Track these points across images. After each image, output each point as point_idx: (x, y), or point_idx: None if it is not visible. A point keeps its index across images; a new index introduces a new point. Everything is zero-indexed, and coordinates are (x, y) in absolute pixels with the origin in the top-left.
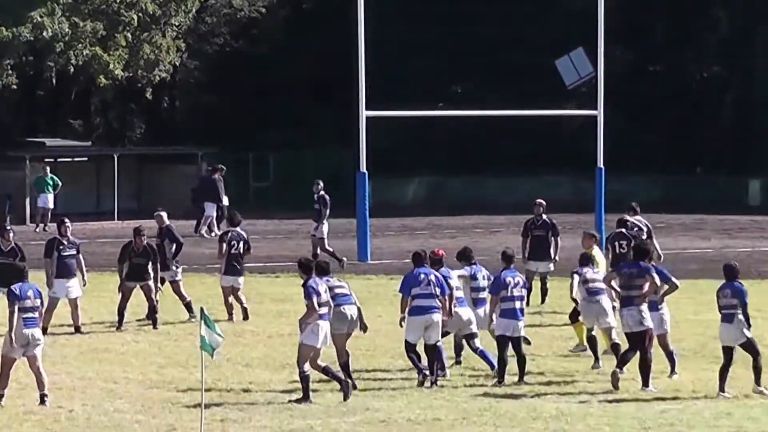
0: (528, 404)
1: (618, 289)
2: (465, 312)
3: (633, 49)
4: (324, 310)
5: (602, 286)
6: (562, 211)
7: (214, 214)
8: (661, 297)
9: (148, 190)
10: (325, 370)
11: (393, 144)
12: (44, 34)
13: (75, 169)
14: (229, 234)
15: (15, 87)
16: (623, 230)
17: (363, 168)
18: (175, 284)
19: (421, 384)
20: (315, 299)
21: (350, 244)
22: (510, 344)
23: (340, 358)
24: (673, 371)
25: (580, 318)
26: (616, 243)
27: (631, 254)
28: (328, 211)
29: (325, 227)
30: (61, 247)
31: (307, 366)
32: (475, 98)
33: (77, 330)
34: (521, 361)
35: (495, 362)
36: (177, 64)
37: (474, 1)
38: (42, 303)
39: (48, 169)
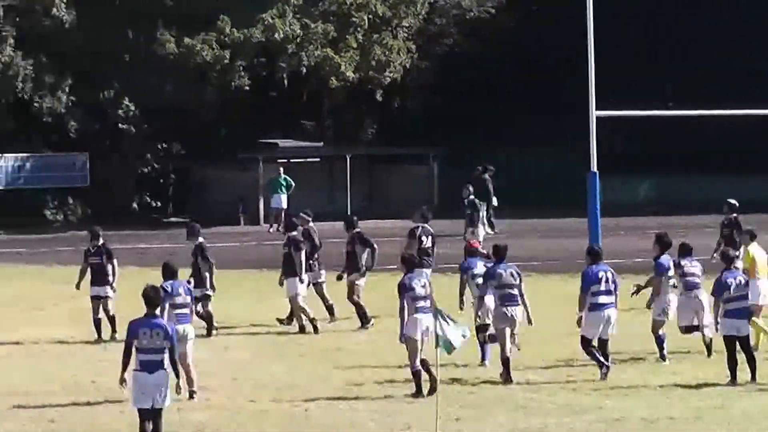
0: (762, 403)
1: None
2: (488, 300)
3: None
4: (420, 303)
5: (699, 280)
6: None
7: (484, 214)
8: None
9: (380, 191)
10: (422, 363)
11: (623, 144)
12: (276, 35)
13: (307, 169)
14: (420, 229)
15: (247, 88)
16: None
17: (594, 168)
18: (318, 286)
19: (604, 377)
20: (407, 295)
21: (581, 244)
22: (738, 343)
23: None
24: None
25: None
26: None
27: None
28: (480, 214)
29: (481, 230)
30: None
31: (417, 362)
32: (704, 98)
33: (302, 329)
34: (751, 360)
35: (488, 356)
36: (407, 65)
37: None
38: (192, 299)
39: (281, 169)
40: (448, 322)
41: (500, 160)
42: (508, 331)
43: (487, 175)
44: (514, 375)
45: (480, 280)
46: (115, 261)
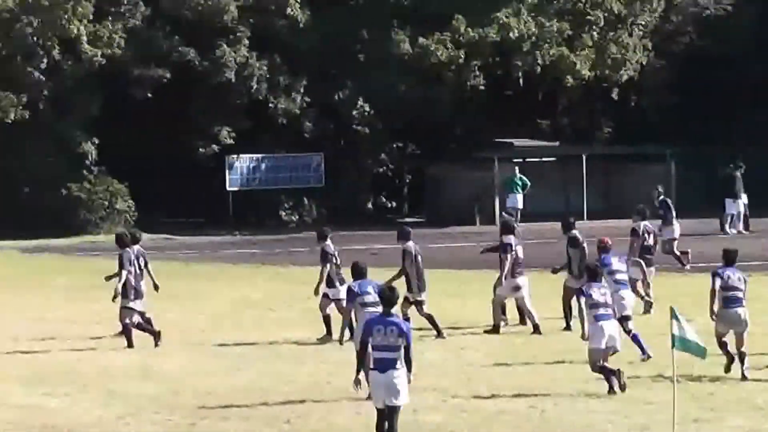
0: None
1: None
2: (627, 294)
3: None
4: (601, 311)
5: None
6: None
7: (739, 211)
8: None
9: (616, 190)
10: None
11: None
12: (510, 34)
13: (543, 169)
14: (642, 227)
15: (482, 88)
16: None
17: None
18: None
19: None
20: (583, 301)
21: None
22: None
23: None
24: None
25: None
26: None
27: None
28: (673, 213)
29: (676, 229)
30: None
31: (601, 361)
32: None
33: (536, 329)
34: None
35: (646, 348)
36: (644, 63)
37: None
38: None
39: (517, 169)
40: (681, 322)
41: (739, 159)
42: (731, 329)
43: (737, 173)
44: (753, 374)
45: (619, 276)
46: (326, 264)
